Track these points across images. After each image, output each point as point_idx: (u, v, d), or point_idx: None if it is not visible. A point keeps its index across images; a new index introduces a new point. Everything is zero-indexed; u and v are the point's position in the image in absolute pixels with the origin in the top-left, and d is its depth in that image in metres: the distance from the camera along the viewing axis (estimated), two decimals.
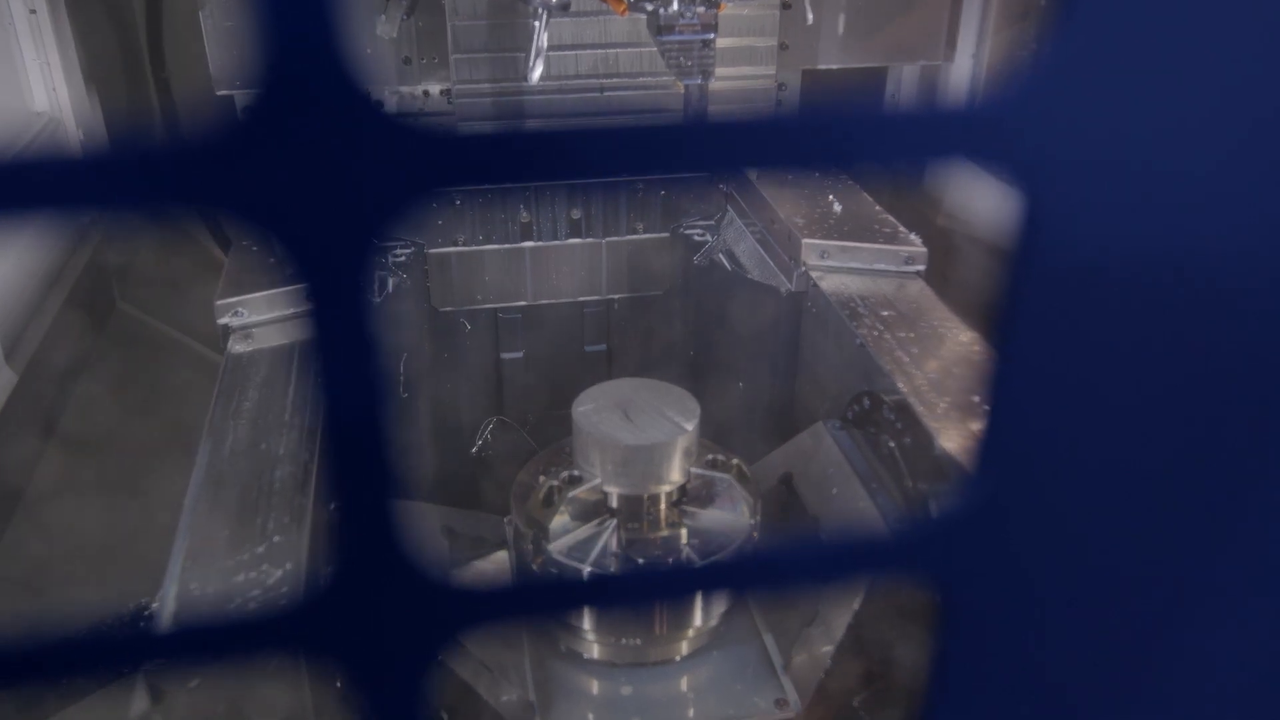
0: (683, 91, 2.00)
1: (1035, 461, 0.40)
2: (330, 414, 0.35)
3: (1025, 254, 0.36)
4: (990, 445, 0.40)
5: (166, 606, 1.24)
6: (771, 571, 0.43)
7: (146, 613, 1.39)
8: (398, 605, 0.37)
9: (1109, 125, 0.35)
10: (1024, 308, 0.37)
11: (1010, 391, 0.38)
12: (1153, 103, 0.36)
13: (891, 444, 1.64)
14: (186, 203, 0.31)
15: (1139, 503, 0.43)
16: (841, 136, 0.34)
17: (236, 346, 1.81)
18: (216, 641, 0.37)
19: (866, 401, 1.76)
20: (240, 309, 1.85)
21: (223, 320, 1.85)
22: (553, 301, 2.50)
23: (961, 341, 1.80)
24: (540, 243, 2.43)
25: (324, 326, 0.33)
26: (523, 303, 2.49)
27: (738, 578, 0.47)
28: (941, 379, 1.68)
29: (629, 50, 2.29)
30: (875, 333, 1.84)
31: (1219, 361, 0.41)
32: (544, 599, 0.43)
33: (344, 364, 0.34)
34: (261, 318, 1.86)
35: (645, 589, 0.46)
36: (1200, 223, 0.38)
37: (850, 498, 1.70)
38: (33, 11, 2.36)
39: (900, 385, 1.66)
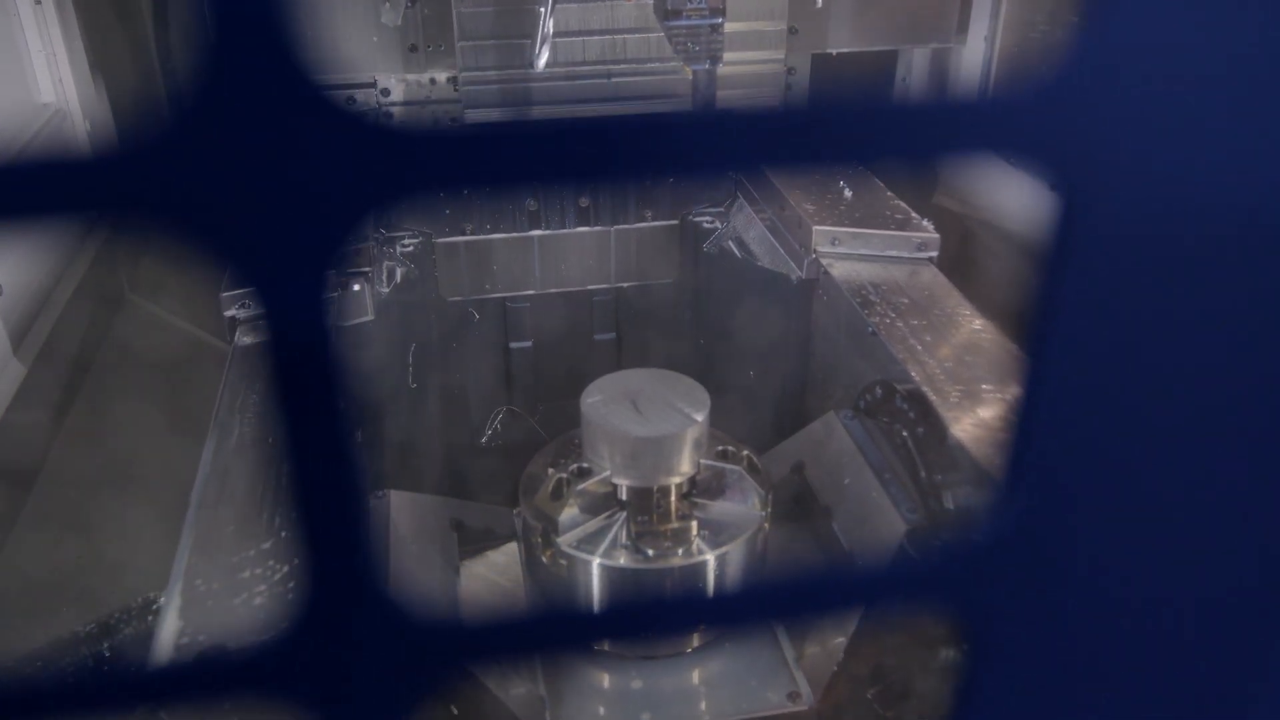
0: (691, 77, 1.97)
1: (1071, 477, 0.38)
2: (291, 445, 0.33)
3: (1061, 253, 0.33)
4: (1022, 458, 0.37)
5: (172, 602, 1.23)
6: (797, 601, 0.41)
7: (154, 607, 1.39)
8: (366, 642, 0.35)
9: (1145, 114, 0.33)
10: (1060, 312, 0.34)
11: (1045, 400, 0.36)
12: (1184, 92, 0.33)
13: (904, 433, 1.62)
14: (115, 210, 0.29)
15: (1188, 520, 0.41)
16: (863, 130, 0.31)
17: (244, 339, 1.80)
18: (193, 685, 0.36)
19: (879, 390, 1.74)
20: (247, 300, 1.84)
21: (229, 313, 1.83)
22: (561, 290, 2.48)
23: (975, 329, 1.77)
24: (548, 231, 2.41)
25: (280, 348, 0.31)
26: (531, 292, 2.47)
27: (759, 608, 0.45)
28: (955, 367, 1.66)
29: (636, 36, 2.26)
30: (887, 320, 1.81)
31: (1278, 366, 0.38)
32: (547, 632, 0.41)
33: (301, 398, 0.32)
34: None
35: (658, 617, 0.44)
36: (1253, 212, 0.35)
37: (862, 488, 1.68)
38: (38, 2, 2.34)
39: (913, 373, 1.64)
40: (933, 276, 1.97)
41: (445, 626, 0.37)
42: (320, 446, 0.33)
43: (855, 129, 0.32)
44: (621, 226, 2.44)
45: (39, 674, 0.37)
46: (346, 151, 0.29)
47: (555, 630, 0.39)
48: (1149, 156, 0.34)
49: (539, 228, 2.40)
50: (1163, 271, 0.35)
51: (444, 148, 0.30)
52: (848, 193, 2.19)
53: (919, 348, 1.71)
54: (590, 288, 2.49)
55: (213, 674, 0.36)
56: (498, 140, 0.30)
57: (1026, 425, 0.37)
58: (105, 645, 1.41)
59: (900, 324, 1.79)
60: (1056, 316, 0.34)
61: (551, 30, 1.93)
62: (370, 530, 0.36)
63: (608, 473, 1.59)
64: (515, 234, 2.39)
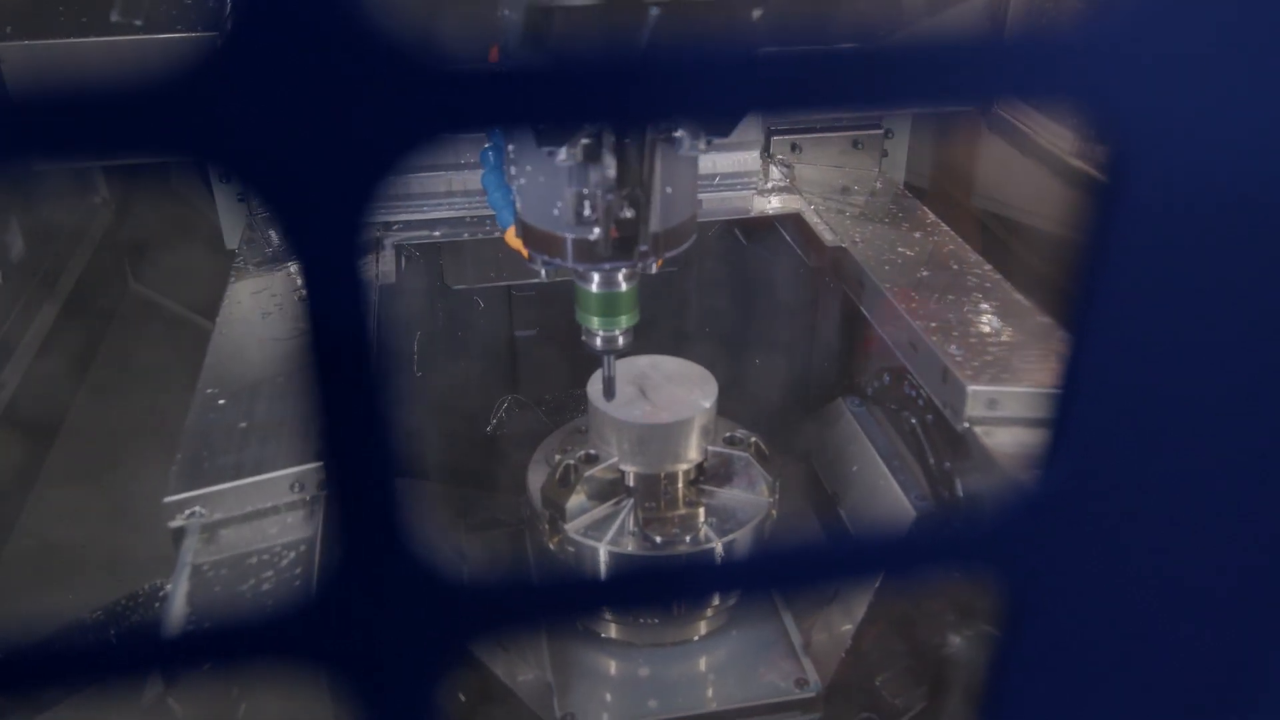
0: None
1: (1118, 443, 0.37)
2: (323, 397, 0.32)
3: (1108, 210, 0.32)
4: (1067, 424, 0.36)
5: (179, 588, 1.23)
6: (830, 566, 0.40)
7: (161, 594, 1.38)
8: (405, 605, 0.34)
9: (1197, 54, 0.32)
10: (1108, 268, 0.33)
11: (1092, 365, 0.35)
12: (1238, 27, 0.32)
13: (913, 420, 1.61)
14: (160, 151, 0.28)
15: (1237, 482, 0.39)
16: (905, 71, 0.30)
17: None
18: (218, 647, 0.35)
19: (887, 377, 1.73)
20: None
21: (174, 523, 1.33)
22: (567, 279, 2.46)
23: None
24: None
25: (316, 292, 0.30)
26: (537, 280, 2.45)
27: (792, 571, 0.44)
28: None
29: None
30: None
31: None
32: (563, 597, 0.40)
33: (337, 338, 0.31)
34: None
35: (672, 583, 0.43)
36: None
37: (871, 475, 1.67)
38: None
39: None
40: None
41: (475, 587, 0.36)
42: (354, 398, 0.32)
43: (900, 71, 0.31)
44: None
45: (62, 636, 0.36)
46: (387, 86, 0.28)
47: (580, 591, 0.39)
48: (1202, 100, 0.32)
49: None
50: (1216, 226, 0.34)
51: (488, 85, 0.29)
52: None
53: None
54: None
55: (237, 639, 0.35)
56: (541, 78, 0.29)
57: (1072, 385, 0.36)
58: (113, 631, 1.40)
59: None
60: (1103, 275, 0.33)
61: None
62: (399, 490, 0.35)
63: (615, 459, 1.59)
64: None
